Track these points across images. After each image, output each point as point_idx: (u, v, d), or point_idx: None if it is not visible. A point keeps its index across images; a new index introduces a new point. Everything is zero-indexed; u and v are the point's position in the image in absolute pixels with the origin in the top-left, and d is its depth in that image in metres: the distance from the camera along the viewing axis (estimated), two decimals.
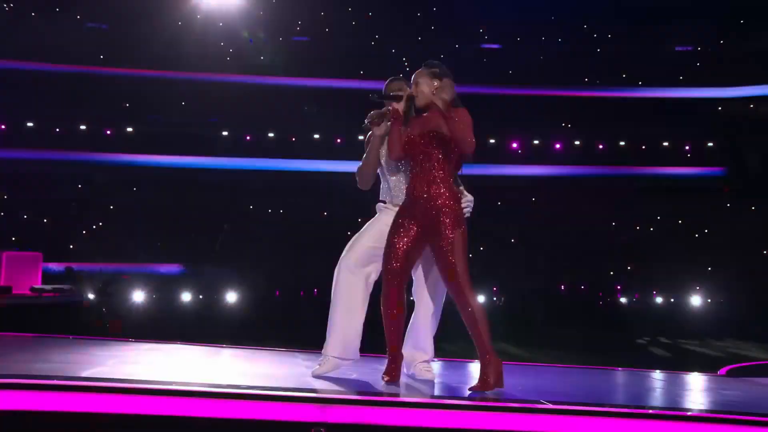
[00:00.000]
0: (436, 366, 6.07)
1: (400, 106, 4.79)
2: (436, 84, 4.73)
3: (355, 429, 3.93)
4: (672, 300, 16.54)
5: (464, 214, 4.78)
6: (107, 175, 18.13)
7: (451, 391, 4.63)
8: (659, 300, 16.69)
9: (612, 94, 18.98)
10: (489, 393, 4.50)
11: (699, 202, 17.98)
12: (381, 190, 5.07)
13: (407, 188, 4.78)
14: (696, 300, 16.19)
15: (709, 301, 16.31)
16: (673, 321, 15.11)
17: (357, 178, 5.00)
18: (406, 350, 4.92)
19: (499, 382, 4.59)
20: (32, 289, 9.89)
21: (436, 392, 4.58)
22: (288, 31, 18.97)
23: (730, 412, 4.03)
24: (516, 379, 5.52)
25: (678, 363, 10.05)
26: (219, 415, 3.87)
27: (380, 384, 4.59)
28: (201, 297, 15.30)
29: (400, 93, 4.79)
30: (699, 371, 6.75)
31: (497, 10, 18.17)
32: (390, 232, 4.77)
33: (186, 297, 15.11)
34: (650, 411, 4.01)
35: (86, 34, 18.50)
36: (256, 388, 4.07)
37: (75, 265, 16.01)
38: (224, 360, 5.58)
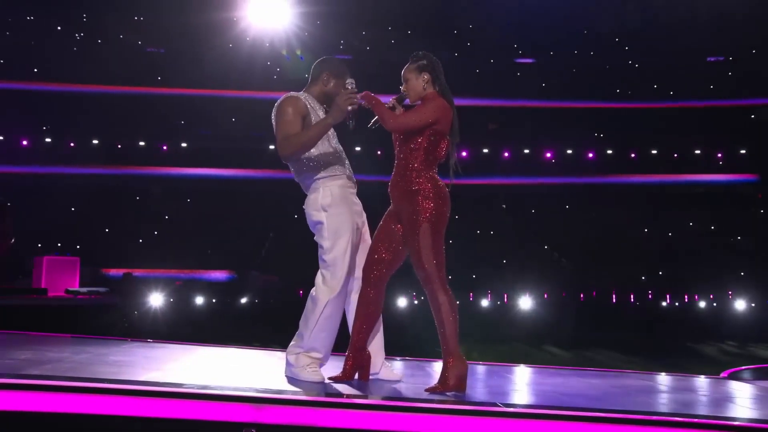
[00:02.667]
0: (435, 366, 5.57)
1: (399, 112, 4.37)
2: (425, 77, 4.27)
3: (289, 430, 3.47)
4: (704, 305, 15.54)
5: (443, 210, 4.23)
6: (163, 187, 18.16)
7: (407, 393, 4.11)
8: (690, 305, 15.70)
9: (644, 105, 18.15)
10: (446, 395, 3.98)
11: (732, 208, 16.99)
12: (322, 161, 4.35)
13: (390, 181, 4.31)
14: (729, 305, 15.17)
15: (742, 306, 15.26)
16: (705, 325, 14.15)
17: (289, 150, 4.23)
18: (383, 356, 4.48)
19: (460, 384, 4.07)
20: (67, 291, 9.71)
21: (390, 393, 4.07)
22: (331, 49, 18.73)
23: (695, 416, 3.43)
24: (495, 381, 5.00)
25: (696, 366, 9.22)
26: (147, 414, 3.45)
27: (327, 384, 4.13)
28: (246, 301, 15.02)
29: (391, 106, 4.32)
30: (702, 374, 6.06)
31: (531, 26, 17.62)
32: (378, 232, 4.32)
33: (233, 301, 14.85)
34: (602, 414, 3.43)
35: (146, 57, 18.65)
36: (186, 386, 3.63)
37: (131, 271, 15.95)
38: (187, 358, 5.14)
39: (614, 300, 15.90)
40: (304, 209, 4.39)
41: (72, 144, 18.80)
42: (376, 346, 4.44)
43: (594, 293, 16.16)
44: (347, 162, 4.47)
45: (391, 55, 18.38)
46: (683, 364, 9.50)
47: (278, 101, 4.37)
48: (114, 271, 16.61)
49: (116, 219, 17.87)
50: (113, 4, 18.16)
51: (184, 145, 18.62)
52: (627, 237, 17.24)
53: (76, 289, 9.89)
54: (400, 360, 5.61)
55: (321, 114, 4.38)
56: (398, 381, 4.43)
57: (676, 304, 15.65)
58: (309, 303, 4.27)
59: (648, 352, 10.40)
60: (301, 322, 4.29)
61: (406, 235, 4.21)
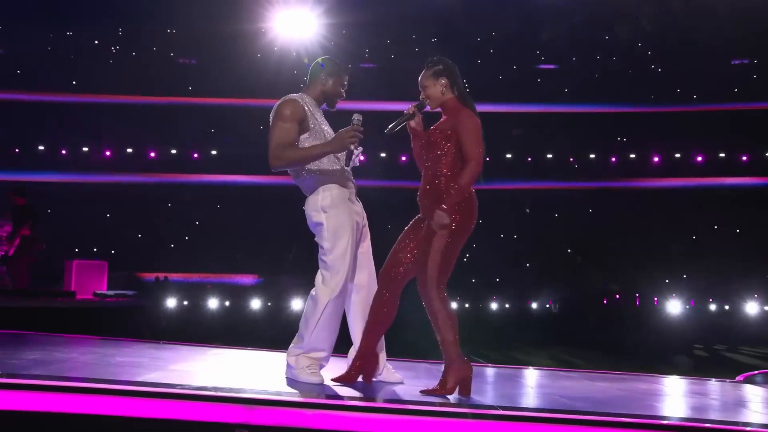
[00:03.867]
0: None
1: (416, 122, 4.20)
2: (443, 82, 4.13)
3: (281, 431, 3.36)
4: (728, 307, 15.10)
5: (468, 224, 4.04)
6: (194, 193, 18.25)
7: (404, 395, 3.96)
8: (714, 307, 15.26)
9: (667, 109, 17.76)
10: (446, 398, 3.85)
11: (757, 212, 16.51)
12: (321, 163, 4.20)
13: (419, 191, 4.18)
14: (753, 308, 14.70)
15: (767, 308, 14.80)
16: (729, 328, 13.74)
17: (280, 163, 4.10)
18: (383, 357, 4.35)
19: (462, 388, 3.93)
20: (95, 294, 9.73)
21: (387, 395, 3.93)
22: (357, 58, 18.69)
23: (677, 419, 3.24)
24: (502, 384, 4.84)
25: (719, 370, 8.92)
26: (138, 414, 3.37)
27: (325, 386, 4.02)
28: (271, 305, 14.95)
29: (411, 113, 4.19)
30: (719, 378, 5.82)
31: (553, 32, 17.38)
32: (402, 237, 4.22)
33: (257, 305, 14.80)
34: (597, 418, 3.26)
35: (178, 68, 18.81)
36: (179, 387, 3.54)
37: (162, 275, 16.01)
38: (195, 359, 5.05)
39: (638, 303, 15.53)
40: (304, 210, 4.29)
41: (108, 152, 19.01)
42: (378, 348, 4.32)
43: (617, 296, 15.82)
44: (343, 168, 4.31)
45: (414, 63, 18.25)
46: (704, 367, 9.22)
47: (277, 103, 4.26)
48: (147, 275, 16.72)
49: (149, 224, 17.99)
50: (147, 17, 18.34)
51: (213, 152, 18.72)
52: (651, 240, 16.86)
53: (104, 292, 9.91)
54: (426, 363, 5.44)
55: (318, 117, 4.27)
56: (399, 383, 4.31)
57: (701, 307, 15.24)
58: (309, 303, 4.18)
59: (669, 356, 10.13)
60: (302, 323, 4.19)
61: (424, 235, 4.07)
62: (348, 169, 4.29)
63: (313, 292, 4.20)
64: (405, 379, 4.36)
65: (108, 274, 10.90)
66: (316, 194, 4.23)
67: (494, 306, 14.70)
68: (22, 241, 9.50)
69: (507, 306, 14.79)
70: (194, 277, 16.57)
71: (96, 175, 18.42)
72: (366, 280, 4.33)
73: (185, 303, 11.63)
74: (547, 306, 14.97)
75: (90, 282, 9.98)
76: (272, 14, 15.90)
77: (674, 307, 14.44)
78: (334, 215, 4.17)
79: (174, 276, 16.31)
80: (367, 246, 4.41)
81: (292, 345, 4.24)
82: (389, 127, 4.18)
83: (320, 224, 4.20)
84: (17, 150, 18.75)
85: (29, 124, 18.28)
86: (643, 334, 12.97)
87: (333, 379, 4.14)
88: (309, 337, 4.15)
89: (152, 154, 18.84)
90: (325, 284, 4.16)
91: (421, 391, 3.93)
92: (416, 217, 4.23)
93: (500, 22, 17.91)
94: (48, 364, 4.15)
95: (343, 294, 4.18)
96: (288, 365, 4.21)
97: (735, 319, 14.46)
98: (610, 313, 14.84)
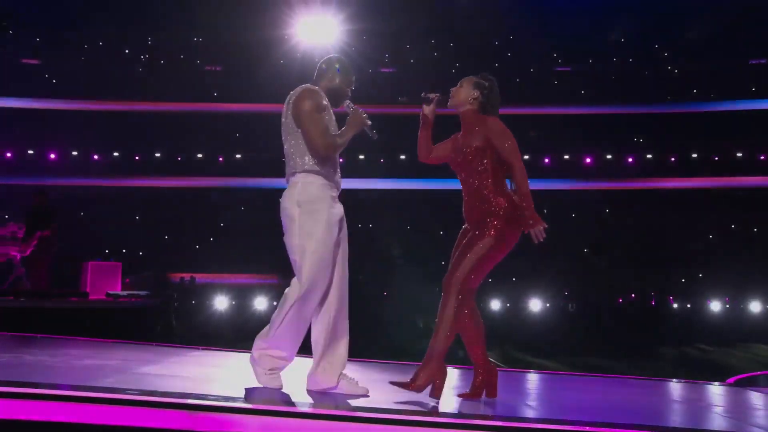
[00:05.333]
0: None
1: (429, 110, 4.05)
2: (474, 95, 3.94)
3: None
4: (743, 308, 14.56)
5: (513, 237, 3.84)
6: (219, 196, 18.26)
7: (363, 401, 3.72)
8: (732, 308, 14.71)
9: (684, 109, 17.24)
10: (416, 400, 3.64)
11: None
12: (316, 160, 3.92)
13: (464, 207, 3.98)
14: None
15: None
16: (743, 328, 13.24)
17: (332, 151, 3.88)
18: (326, 361, 3.96)
19: (432, 389, 3.73)
20: (108, 295, 9.66)
21: (344, 402, 3.69)
22: (377, 63, 18.51)
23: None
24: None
25: (732, 370, 8.50)
26: (79, 420, 3.18)
27: (281, 392, 3.80)
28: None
29: (429, 97, 4.04)
30: (713, 381, 5.47)
31: (569, 35, 17.01)
32: (454, 251, 3.98)
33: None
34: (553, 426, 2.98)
35: (204, 75, 18.84)
36: (126, 391, 3.35)
37: (189, 276, 15.97)
38: (168, 362, 4.85)
39: (654, 303, 15.06)
40: (280, 202, 4.02)
41: (137, 157, 19.11)
42: (332, 358, 3.90)
43: (634, 296, 15.37)
44: (338, 166, 4.06)
45: (434, 67, 18.00)
46: (718, 369, 8.82)
47: (298, 94, 3.92)
48: (174, 276, 16.71)
49: (175, 226, 18.03)
50: (175, 26, 18.41)
51: (238, 156, 18.72)
52: (667, 241, 16.37)
53: (117, 292, 9.84)
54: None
55: (330, 111, 4.04)
56: (364, 395, 3.94)
57: (717, 307, 14.72)
58: (282, 299, 3.92)
59: (681, 357, 9.78)
60: (273, 315, 3.92)
61: (467, 242, 3.86)
62: (337, 173, 4.02)
63: (287, 289, 3.94)
64: (386, 383, 4.08)
65: (131, 275, 10.88)
66: (295, 187, 3.93)
67: (507, 308, 14.38)
68: (40, 242, 9.47)
69: (521, 308, 14.44)
70: (219, 278, 16.50)
71: (126, 179, 18.52)
72: (337, 286, 3.96)
73: (200, 303, 11.53)
74: (562, 307, 14.59)
75: (105, 283, 9.92)
76: (295, 21, 15.79)
77: (690, 306, 14.00)
78: (309, 212, 3.84)
79: (200, 277, 16.27)
80: (342, 251, 4.09)
81: (261, 332, 3.96)
82: (402, 99, 4.03)
83: (293, 219, 3.88)
84: (52, 156, 18.95)
85: (63, 130, 18.44)
86: (658, 334, 12.58)
87: (459, 395, 3.91)
88: (273, 333, 3.89)
89: (179, 158, 18.91)
90: (297, 284, 3.89)
91: (390, 382, 3.78)
92: (462, 230, 4.00)
93: (517, 25, 17.59)
94: (10, 368, 4.00)
95: (312, 297, 3.87)
96: (252, 358, 3.95)
97: (751, 318, 13.94)
98: (625, 313, 14.42)
